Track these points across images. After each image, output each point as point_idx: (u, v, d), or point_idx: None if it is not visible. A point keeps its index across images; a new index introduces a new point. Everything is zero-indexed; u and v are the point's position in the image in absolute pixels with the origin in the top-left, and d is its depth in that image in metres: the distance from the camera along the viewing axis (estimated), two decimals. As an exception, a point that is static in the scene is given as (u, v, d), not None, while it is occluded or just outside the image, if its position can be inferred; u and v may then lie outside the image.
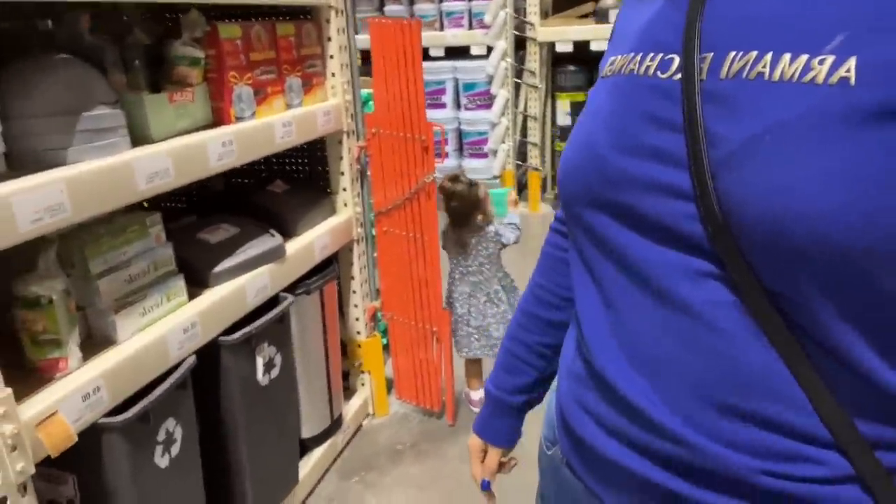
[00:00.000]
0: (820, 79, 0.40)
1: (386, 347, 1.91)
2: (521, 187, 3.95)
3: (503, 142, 3.67)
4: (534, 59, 3.61)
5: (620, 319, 0.50)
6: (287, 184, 1.61)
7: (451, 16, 3.70)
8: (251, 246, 1.31)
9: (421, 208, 1.59)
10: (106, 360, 0.96)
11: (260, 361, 1.27)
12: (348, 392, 1.84)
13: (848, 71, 0.39)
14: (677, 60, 0.47)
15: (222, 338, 1.19)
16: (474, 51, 3.58)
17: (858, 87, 0.39)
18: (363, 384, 1.86)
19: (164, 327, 1.06)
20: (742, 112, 0.43)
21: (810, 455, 0.44)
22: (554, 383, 0.66)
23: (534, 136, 3.77)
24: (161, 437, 1.04)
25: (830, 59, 0.40)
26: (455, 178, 1.69)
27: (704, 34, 0.46)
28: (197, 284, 1.20)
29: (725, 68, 0.44)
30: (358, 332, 1.79)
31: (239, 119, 1.25)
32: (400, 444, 1.76)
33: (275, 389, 1.34)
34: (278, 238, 1.37)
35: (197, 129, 1.17)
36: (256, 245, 1.32)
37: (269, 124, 1.30)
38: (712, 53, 0.45)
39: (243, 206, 1.48)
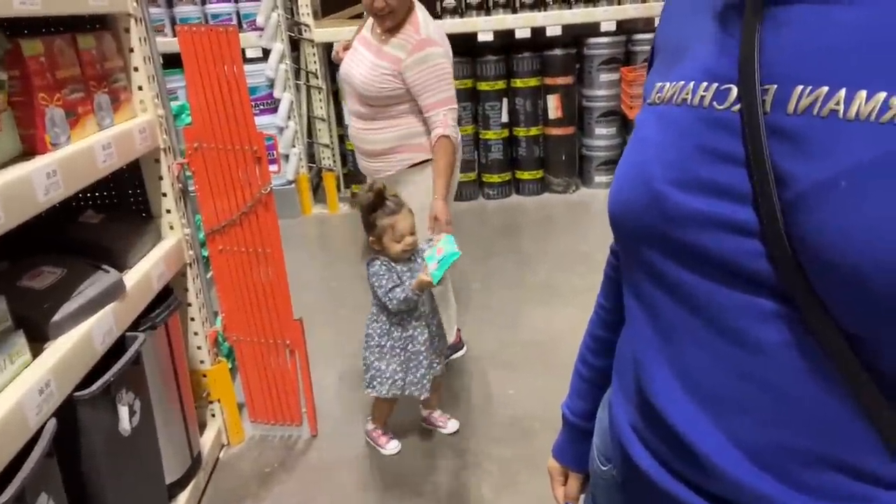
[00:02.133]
0: None
1: (232, 371, 1.81)
2: (315, 189, 3.93)
3: (293, 146, 3.61)
4: (313, 61, 3.59)
5: (679, 353, 0.49)
6: (99, 213, 1.45)
7: (216, 18, 3.52)
8: (86, 286, 1.17)
9: (259, 221, 1.53)
10: (-40, 445, 0.81)
11: (124, 411, 1.14)
12: (200, 426, 1.71)
13: None
14: (735, 91, 0.45)
15: (78, 393, 1.05)
16: (249, 54, 3.45)
17: None
18: (213, 414, 1.75)
19: (18, 393, 0.92)
20: (815, 151, 0.41)
21: (882, 499, 0.44)
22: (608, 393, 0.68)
23: (323, 137, 3.76)
24: (37, 517, 0.90)
25: None
26: (372, 189, 1.51)
27: (765, 65, 0.44)
28: (36, 339, 1.04)
29: (793, 103, 0.42)
30: (202, 361, 1.67)
31: (55, 146, 1.10)
32: (267, 466, 1.69)
33: (137, 438, 1.21)
34: (114, 273, 1.23)
35: (9, 163, 1.01)
36: (92, 285, 1.18)
37: (89, 148, 1.16)
38: (776, 86, 0.43)
39: (57, 243, 1.30)
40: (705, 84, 0.47)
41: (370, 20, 1.82)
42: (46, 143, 1.08)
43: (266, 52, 3.48)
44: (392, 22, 1.72)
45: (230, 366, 1.79)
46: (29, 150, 1.07)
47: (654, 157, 0.50)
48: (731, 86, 0.46)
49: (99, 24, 1.37)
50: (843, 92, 0.40)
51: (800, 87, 0.42)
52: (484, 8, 3.49)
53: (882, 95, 0.39)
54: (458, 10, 3.49)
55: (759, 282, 0.43)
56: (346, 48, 1.92)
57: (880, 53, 0.40)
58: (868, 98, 0.39)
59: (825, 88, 0.41)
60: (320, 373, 2.02)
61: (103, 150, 1.21)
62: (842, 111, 0.40)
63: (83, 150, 1.15)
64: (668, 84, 0.51)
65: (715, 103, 0.46)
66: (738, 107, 0.45)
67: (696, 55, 0.49)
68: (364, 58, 1.79)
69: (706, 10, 0.50)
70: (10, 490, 0.83)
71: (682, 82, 0.49)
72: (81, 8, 1.21)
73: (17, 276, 1.14)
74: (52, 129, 1.10)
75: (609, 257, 0.70)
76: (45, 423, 0.96)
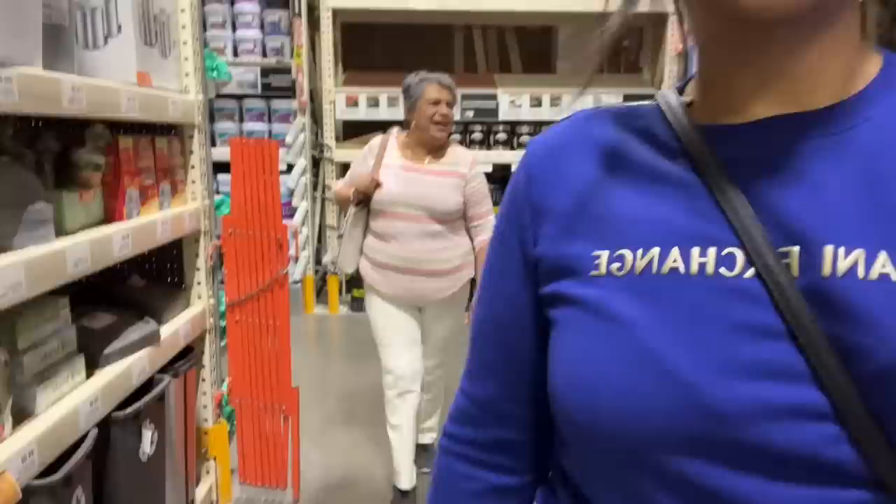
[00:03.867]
0: None
1: (230, 434, 2.02)
2: (319, 290, 4.22)
3: (304, 249, 3.95)
4: (331, 176, 4.02)
5: None
6: (143, 279, 1.73)
7: (251, 134, 3.99)
8: (131, 331, 1.43)
9: (273, 297, 1.82)
10: (34, 429, 1.05)
11: (147, 435, 1.37)
12: (196, 479, 1.90)
13: None
14: (741, 256, 0.41)
15: (115, 412, 1.29)
16: (275, 166, 3.89)
17: None
18: (208, 472, 1.93)
19: (75, 401, 1.16)
20: (877, 320, 0.37)
21: None
22: None
23: (331, 244, 4.12)
24: (74, 502, 1.11)
25: None
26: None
27: (767, 225, 0.40)
28: (90, 365, 1.29)
29: (828, 265, 0.39)
30: (205, 420, 1.89)
31: (129, 217, 1.41)
32: (251, 524, 1.86)
33: (151, 466, 1.42)
34: (153, 324, 1.50)
35: (94, 225, 1.31)
36: (136, 330, 1.45)
37: (152, 223, 1.47)
38: (797, 247, 0.40)
39: (110, 298, 1.58)
40: (698, 249, 0.42)
41: (389, 146, 2.15)
42: (123, 214, 1.39)
43: (290, 167, 3.91)
44: (447, 133, 2.07)
45: (229, 428, 2.00)
46: (109, 218, 1.38)
47: (664, 341, 0.41)
48: (734, 249, 0.41)
49: (172, 130, 1.73)
50: (883, 254, 0.38)
51: (830, 248, 0.39)
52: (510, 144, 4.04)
53: None
54: (486, 143, 4.05)
55: (843, 472, 0.37)
56: (375, 182, 2.05)
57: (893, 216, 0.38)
58: None
59: (860, 250, 0.38)
60: (305, 447, 2.21)
61: (161, 225, 1.52)
62: (893, 274, 0.37)
63: (147, 224, 1.45)
64: (627, 252, 0.45)
65: (723, 270, 0.41)
66: (751, 272, 0.40)
67: (646, 218, 0.45)
68: (430, 177, 2.05)
69: (616, 171, 0.47)
70: (61, 473, 1.05)
71: (657, 249, 0.43)
72: (163, 117, 1.56)
73: (80, 317, 1.40)
74: (129, 204, 1.41)
75: (449, 461, 0.57)
76: (89, 431, 1.19)
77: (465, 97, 3.90)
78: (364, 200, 2.03)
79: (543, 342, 0.50)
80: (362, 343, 2.07)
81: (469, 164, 2.05)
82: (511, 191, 0.54)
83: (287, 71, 4.04)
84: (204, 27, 2.64)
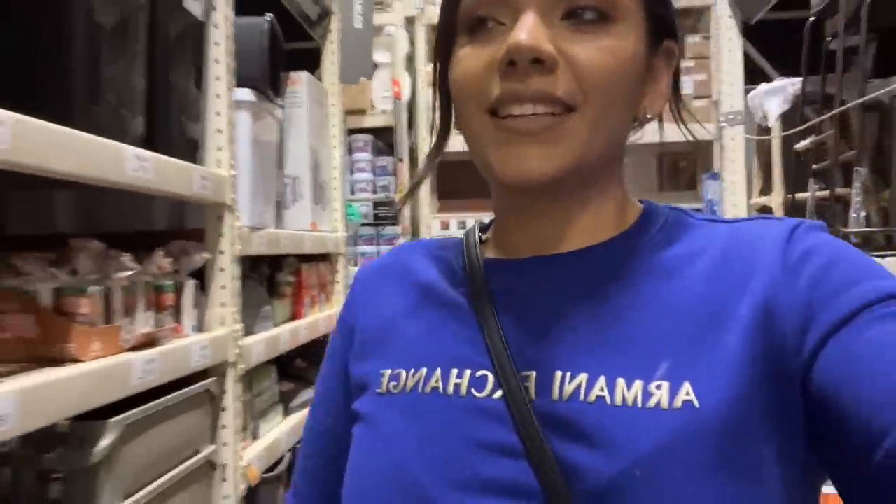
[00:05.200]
0: (665, 403, 0.41)
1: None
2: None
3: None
4: (428, 288, 4.74)
5: None
6: (304, 361, 2.43)
7: (363, 255, 4.82)
8: (302, 395, 2.11)
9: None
10: (260, 444, 1.71)
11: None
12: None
13: (688, 394, 0.41)
14: (491, 378, 0.45)
15: (297, 445, 1.94)
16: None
17: (704, 409, 0.40)
18: None
19: (277, 433, 1.82)
20: (596, 440, 0.41)
21: None
22: None
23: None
24: (280, 492, 1.75)
25: (666, 384, 0.41)
26: None
27: (514, 352, 0.45)
28: (284, 412, 1.96)
29: (556, 389, 0.43)
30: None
31: (305, 316, 2.13)
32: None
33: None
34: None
35: (287, 321, 2.03)
36: (305, 395, 2.12)
37: (316, 320, 2.18)
38: (535, 372, 0.44)
39: (282, 372, 2.28)
40: (456, 371, 0.46)
41: None
42: (302, 314, 2.11)
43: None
44: None
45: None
46: (294, 316, 2.09)
47: (416, 457, 0.45)
48: (486, 372, 0.46)
49: (327, 256, 2.49)
50: (602, 379, 0.42)
51: (559, 373, 0.43)
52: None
53: (640, 383, 0.41)
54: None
55: None
56: None
57: (622, 345, 0.44)
58: (628, 386, 0.41)
59: (584, 375, 0.43)
60: None
61: (322, 322, 2.23)
62: (608, 398, 0.41)
63: (314, 321, 2.16)
64: (402, 372, 0.49)
65: (474, 391, 0.45)
66: (499, 394, 0.44)
67: (429, 342, 0.49)
68: None
69: (414, 296, 0.52)
70: (275, 472, 1.69)
71: (425, 369, 0.48)
72: (324, 250, 2.31)
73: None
74: (305, 307, 2.13)
75: None
76: (285, 454, 1.84)
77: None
78: None
79: None
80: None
81: None
82: (341, 310, 0.60)
83: (392, 203, 4.91)
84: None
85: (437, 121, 0.58)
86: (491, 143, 0.48)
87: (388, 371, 0.51)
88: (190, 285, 1.30)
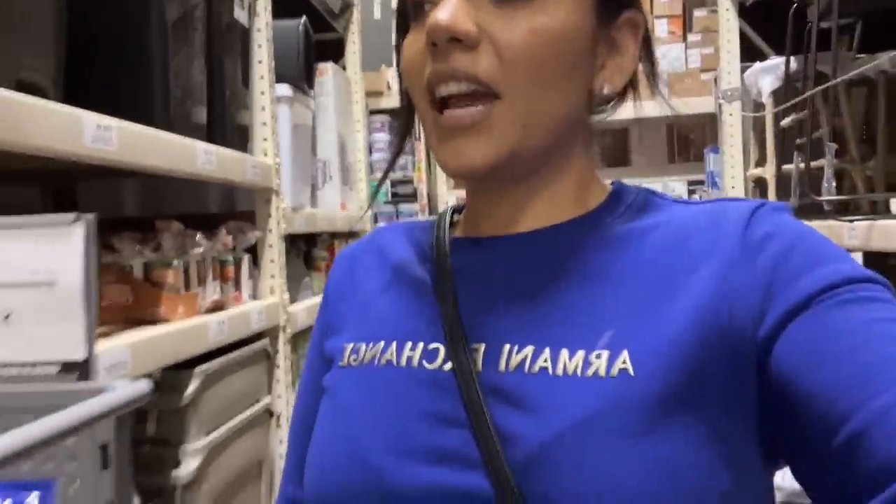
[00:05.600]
0: (602, 372, 0.42)
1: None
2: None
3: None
4: (447, 262, 4.93)
5: None
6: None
7: (384, 232, 5.02)
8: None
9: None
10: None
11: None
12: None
13: (625, 363, 0.42)
14: (443, 350, 0.47)
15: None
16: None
17: (639, 376, 0.42)
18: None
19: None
20: (533, 408, 0.43)
21: None
22: None
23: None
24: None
25: (605, 353, 0.43)
26: None
27: (468, 326, 0.47)
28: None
29: (503, 361, 0.45)
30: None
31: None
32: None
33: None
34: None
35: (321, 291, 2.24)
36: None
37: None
38: (483, 345, 0.46)
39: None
40: (410, 344, 0.48)
41: None
42: (335, 286, 2.32)
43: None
44: None
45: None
46: (327, 288, 2.30)
47: (365, 427, 0.47)
48: (439, 345, 0.47)
49: (354, 235, 2.69)
50: (548, 350, 0.44)
51: (507, 346, 0.45)
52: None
53: (581, 353, 0.43)
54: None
55: None
56: None
57: (569, 317, 0.45)
58: (571, 356, 0.43)
59: (531, 347, 0.44)
60: None
61: (353, 293, 2.44)
62: (551, 368, 0.43)
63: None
64: (363, 345, 0.51)
65: (425, 362, 0.47)
66: (448, 365, 0.46)
67: (388, 317, 0.52)
68: None
69: (387, 275, 0.54)
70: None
71: (382, 342, 0.50)
72: (352, 228, 2.51)
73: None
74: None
75: None
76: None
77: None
78: None
79: None
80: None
81: None
82: (331, 272, 0.62)
83: (410, 182, 5.10)
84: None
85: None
86: (433, 138, 0.49)
87: (351, 345, 0.53)
88: (246, 260, 1.51)
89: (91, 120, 0.90)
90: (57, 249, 0.56)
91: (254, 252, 1.57)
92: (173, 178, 1.21)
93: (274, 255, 1.59)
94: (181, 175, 1.19)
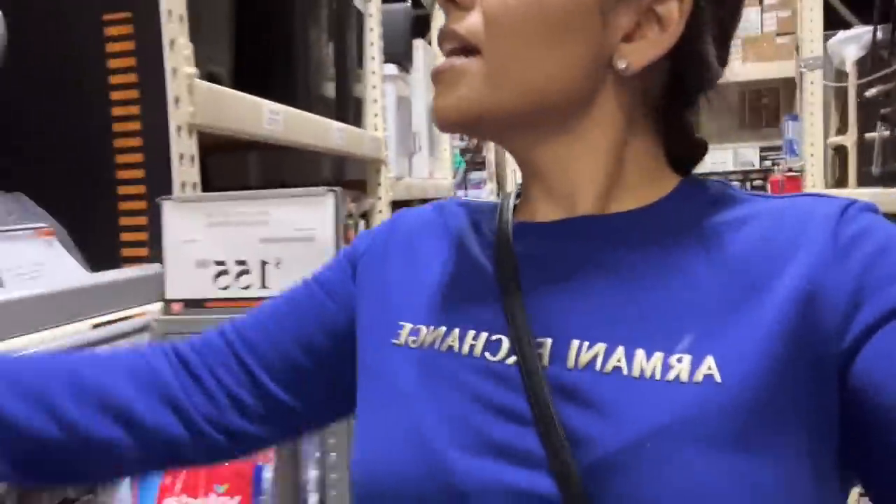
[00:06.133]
0: (684, 377, 0.39)
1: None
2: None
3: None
4: (515, 228, 5.06)
5: None
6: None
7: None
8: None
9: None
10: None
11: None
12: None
13: (710, 368, 0.39)
14: (506, 343, 0.45)
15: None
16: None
17: (726, 384, 0.39)
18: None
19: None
20: (607, 411, 0.40)
21: None
22: None
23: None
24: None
25: (687, 357, 0.40)
26: None
27: (535, 318, 0.44)
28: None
29: (572, 358, 0.42)
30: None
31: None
32: None
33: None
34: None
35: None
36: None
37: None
38: (550, 340, 0.44)
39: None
40: (473, 332, 0.46)
41: None
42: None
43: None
44: None
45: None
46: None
47: (426, 416, 0.45)
48: (502, 336, 0.45)
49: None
50: (621, 349, 0.41)
51: (576, 342, 0.43)
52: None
53: (660, 355, 0.40)
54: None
55: None
56: None
57: (644, 316, 0.42)
58: (647, 357, 0.40)
59: (602, 345, 0.42)
60: None
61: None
62: (625, 368, 0.41)
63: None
64: (423, 327, 0.49)
65: (488, 354, 0.45)
66: (513, 359, 0.44)
67: (448, 300, 0.49)
68: None
69: (446, 254, 0.52)
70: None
71: (444, 328, 0.48)
72: (440, 194, 2.68)
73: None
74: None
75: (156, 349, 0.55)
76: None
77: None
78: None
79: (334, 346, 0.54)
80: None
81: None
82: (372, 231, 0.59)
83: (480, 150, 5.24)
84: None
85: None
86: None
87: (409, 325, 0.50)
88: (362, 224, 1.69)
89: (266, 106, 1.08)
90: (315, 213, 0.72)
91: (365, 218, 1.75)
92: (290, 150, 1.38)
93: (382, 220, 1.77)
94: (322, 150, 1.36)
